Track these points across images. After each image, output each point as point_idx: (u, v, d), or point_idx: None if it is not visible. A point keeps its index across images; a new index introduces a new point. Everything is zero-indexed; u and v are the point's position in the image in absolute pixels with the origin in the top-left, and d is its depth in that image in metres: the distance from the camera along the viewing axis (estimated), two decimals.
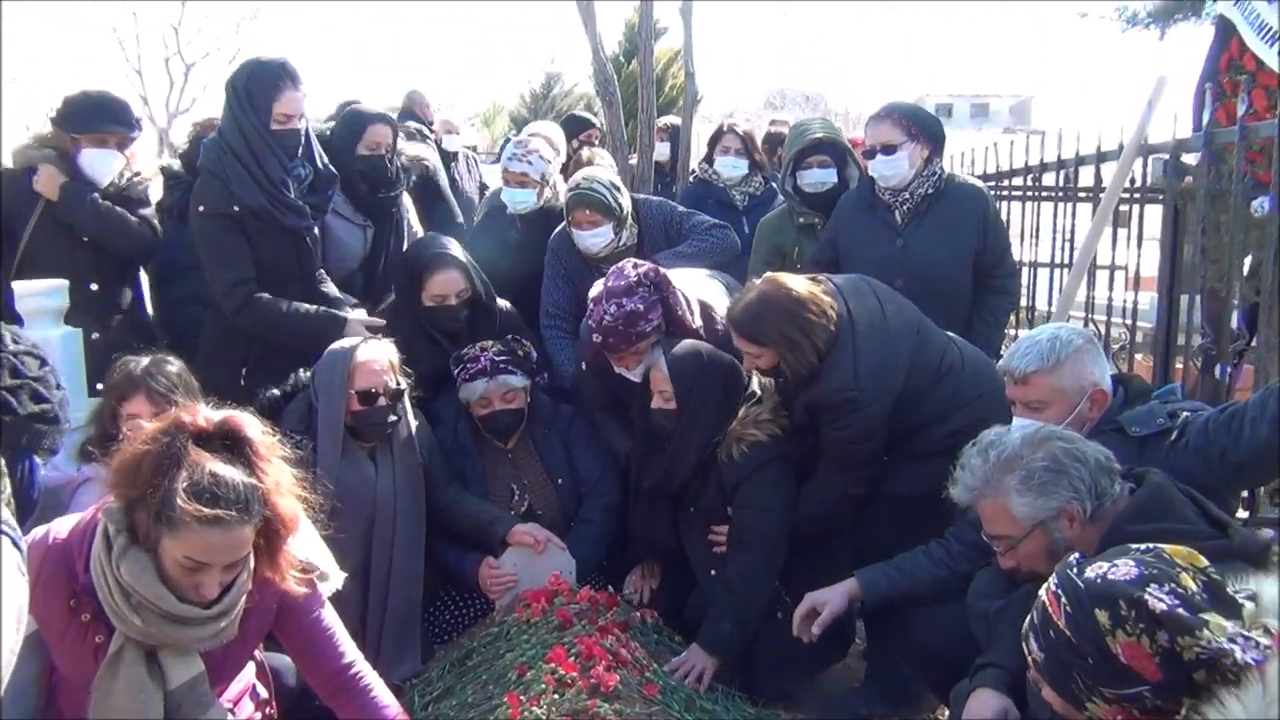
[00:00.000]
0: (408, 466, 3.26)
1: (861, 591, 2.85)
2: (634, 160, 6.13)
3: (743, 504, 3.17)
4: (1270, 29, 5.00)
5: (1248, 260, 4.74)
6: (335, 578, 2.39)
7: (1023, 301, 5.17)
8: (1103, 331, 4.77)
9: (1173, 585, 1.53)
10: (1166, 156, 4.28)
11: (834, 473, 3.17)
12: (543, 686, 2.47)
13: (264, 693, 2.48)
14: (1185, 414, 2.44)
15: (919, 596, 2.81)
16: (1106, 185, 4.51)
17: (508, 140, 5.13)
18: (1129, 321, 5.65)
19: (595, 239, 3.85)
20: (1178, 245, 4.59)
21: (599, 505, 3.58)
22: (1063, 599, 1.62)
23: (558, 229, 4.08)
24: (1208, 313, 4.75)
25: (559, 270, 4.00)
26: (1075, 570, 1.63)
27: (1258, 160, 4.23)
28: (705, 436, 3.20)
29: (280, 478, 2.10)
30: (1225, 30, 5.20)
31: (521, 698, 2.44)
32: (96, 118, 3.66)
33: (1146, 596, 1.52)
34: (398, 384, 3.24)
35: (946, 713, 2.79)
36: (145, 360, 2.85)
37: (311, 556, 2.31)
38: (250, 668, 2.42)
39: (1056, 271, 5.15)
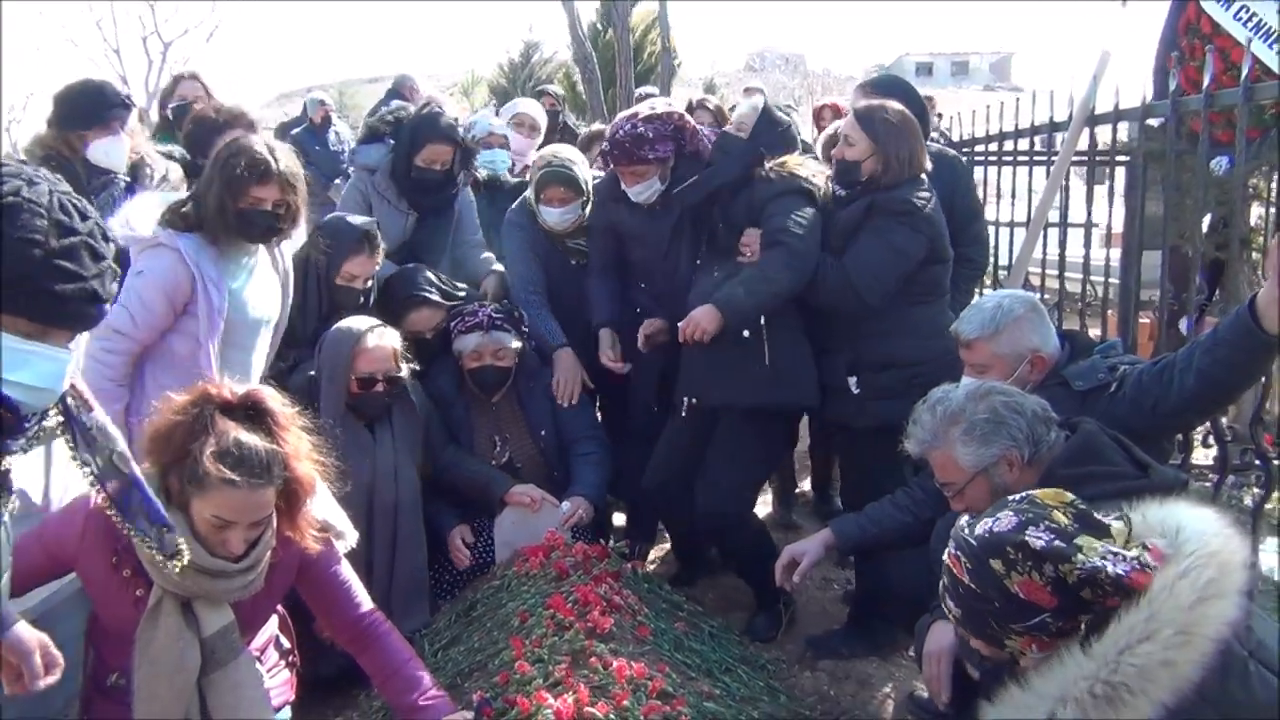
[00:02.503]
0: (407, 435, 3.44)
1: (836, 540, 3.06)
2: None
3: (772, 214, 3.39)
4: None
5: (1207, 218, 4.95)
6: (350, 536, 2.60)
7: (1003, 261, 5.38)
8: (1078, 288, 4.99)
9: (1047, 523, 1.74)
10: (1126, 123, 4.46)
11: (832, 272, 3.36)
12: (543, 630, 2.68)
13: (286, 643, 2.69)
14: (1124, 368, 2.65)
15: (890, 542, 3.02)
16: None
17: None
18: (1103, 279, 5.84)
19: (565, 215, 3.98)
20: (1142, 204, 4.79)
21: (591, 444, 3.84)
22: (962, 558, 1.82)
23: (517, 202, 4.24)
24: (1171, 269, 4.95)
25: (525, 243, 4.10)
26: (967, 531, 1.83)
27: (1216, 121, 4.42)
28: (756, 155, 3.52)
29: (299, 445, 2.30)
30: None
31: (524, 641, 2.65)
32: (100, 109, 3.69)
33: (1027, 538, 1.72)
34: (398, 372, 3.39)
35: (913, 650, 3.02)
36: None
37: (328, 517, 2.52)
38: (274, 620, 2.62)
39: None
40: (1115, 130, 4.67)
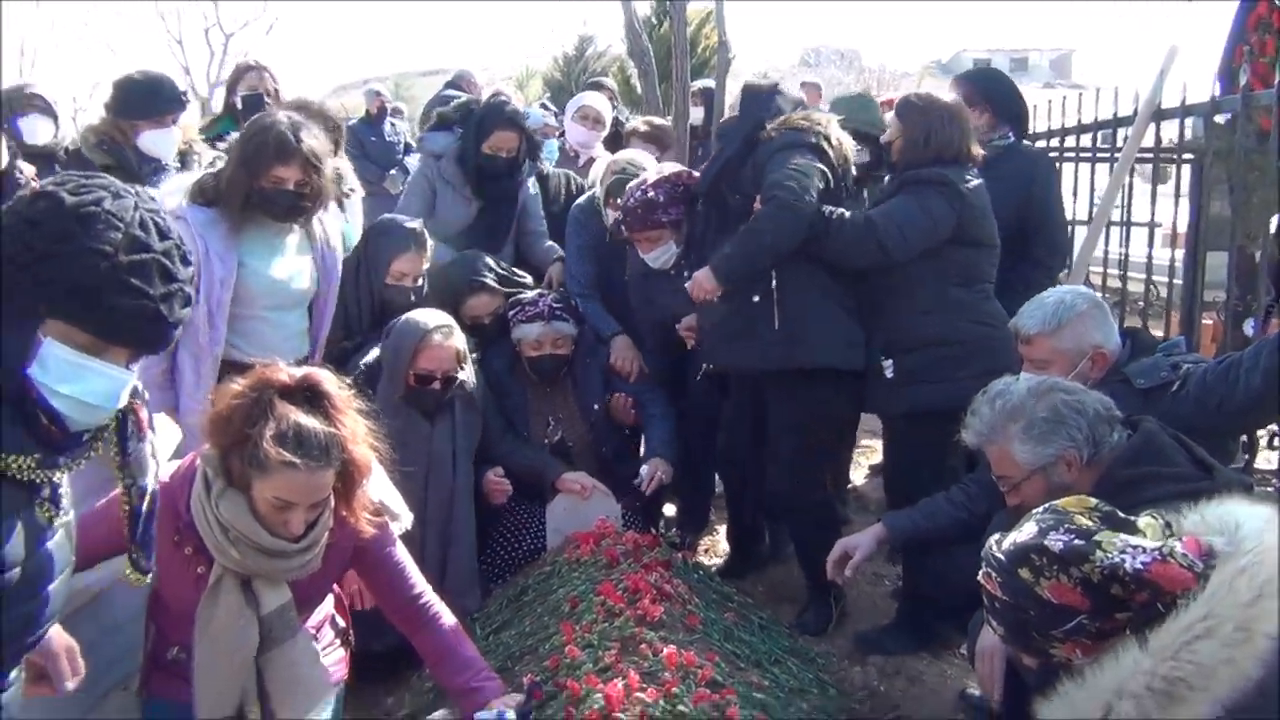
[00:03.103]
0: (466, 428, 3.47)
1: (888, 534, 3.05)
2: (669, 123, 6.29)
3: (769, 170, 3.37)
4: None
5: (1275, 219, 4.85)
6: (405, 518, 2.64)
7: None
8: (1140, 288, 4.92)
9: (1067, 527, 1.73)
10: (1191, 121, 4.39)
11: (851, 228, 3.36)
12: (593, 616, 2.70)
13: (342, 622, 2.73)
14: (1186, 366, 2.61)
15: (943, 537, 3.00)
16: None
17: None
18: (1167, 279, 5.73)
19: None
20: (1206, 203, 4.70)
21: (653, 404, 3.93)
22: (994, 575, 1.81)
23: (583, 200, 4.31)
24: (1236, 269, 4.86)
25: (586, 242, 4.18)
26: (995, 548, 1.82)
27: None
28: (753, 125, 3.49)
29: (355, 428, 2.33)
30: None
31: (574, 626, 2.67)
32: (155, 103, 3.80)
33: (1047, 543, 1.72)
34: (457, 373, 3.41)
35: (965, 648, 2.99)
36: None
37: (384, 499, 2.55)
38: (330, 600, 2.66)
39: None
40: (1181, 127, 4.59)
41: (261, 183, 3.08)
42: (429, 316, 3.43)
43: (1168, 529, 1.78)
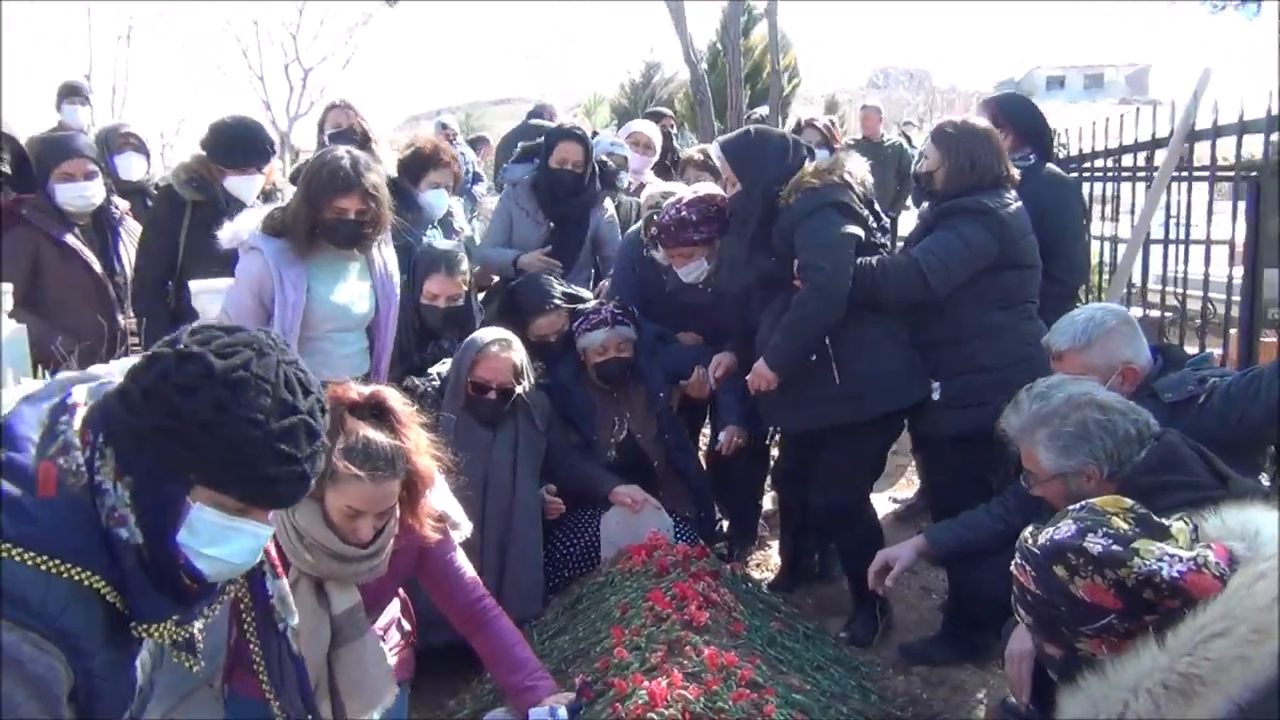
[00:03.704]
0: (528, 440, 3.65)
1: (928, 546, 3.15)
2: None
3: (802, 245, 3.48)
4: None
5: None
6: (465, 527, 2.82)
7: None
8: (1199, 306, 4.91)
9: (1106, 529, 1.81)
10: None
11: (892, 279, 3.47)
12: (642, 621, 2.85)
13: (407, 625, 2.92)
14: (1213, 380, 2.69)
15: (983, 548, 3.09)
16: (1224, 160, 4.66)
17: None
18: (1225, 296, 5.69)
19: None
20: (1262, 221, 4.71)
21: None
22: (1027, 568, 1.90)
23: (630, 232, 4.55)
24: None
25: (628, 264, 4.42)
26: (1030, 541, 1.91)
27: None
28: (764, 194, 3.57)
29: (419, 441, 2.52)
30: None
31: (624, 630, 2.82)
32: (242, 155, 3.99)
33: (1086, 544, 1.80)
34: (515, 384, 3.59)
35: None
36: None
37: (445, 508, 2.74)
38: (396, 603, 2.85)
39: (1158, 247, 5.27)
40: (1215, 145, 4.60)
41: (325, 214, 3.30)
42: (489, 332, 3.64)
43: (1195, 533, 1.86)
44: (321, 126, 5.13)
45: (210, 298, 3.49)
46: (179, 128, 19.92)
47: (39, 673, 1.41)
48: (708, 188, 4.10)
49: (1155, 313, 6.11)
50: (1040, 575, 1.87)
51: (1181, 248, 5.01)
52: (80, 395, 1.57)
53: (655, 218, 4.02)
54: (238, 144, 4.02)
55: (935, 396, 3.52)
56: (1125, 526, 1.83)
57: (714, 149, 3.80)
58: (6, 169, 4.09)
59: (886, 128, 10.01)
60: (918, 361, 3.60)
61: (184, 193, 3.92)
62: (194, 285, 3.56)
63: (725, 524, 4.54)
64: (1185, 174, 5.10)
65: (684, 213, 3.88)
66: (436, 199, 4.35)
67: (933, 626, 3.83)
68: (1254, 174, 5.02)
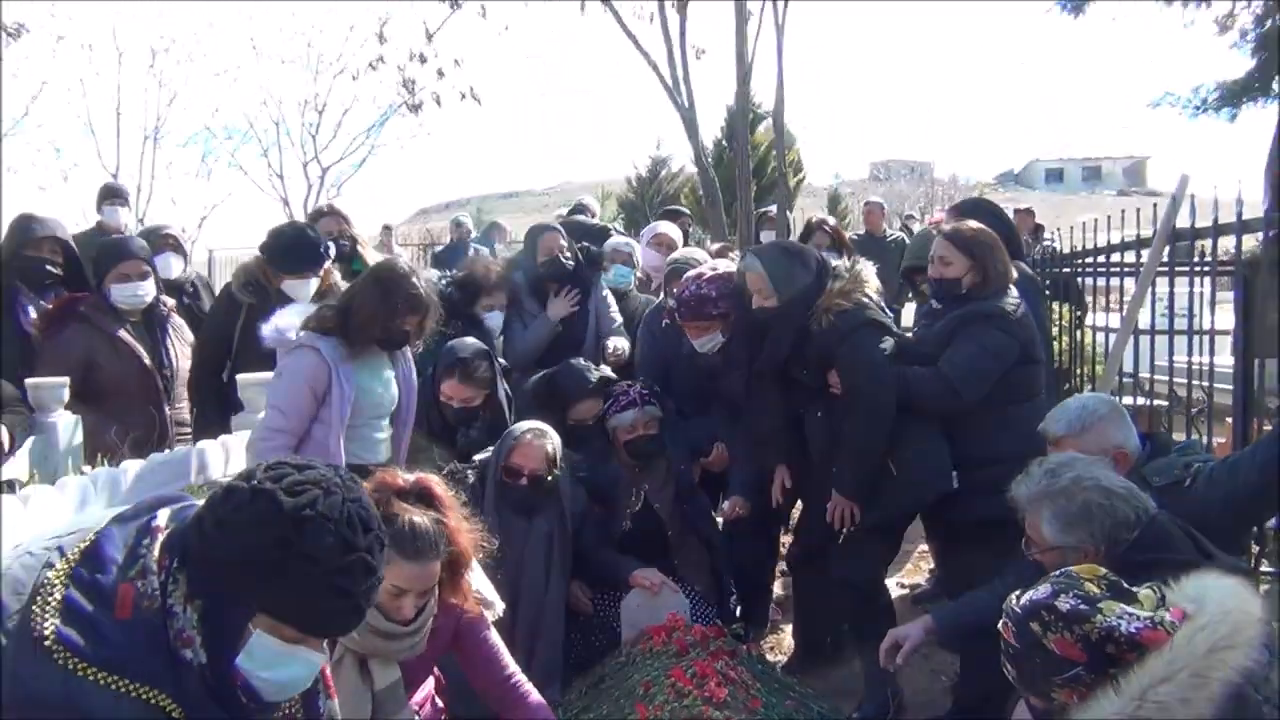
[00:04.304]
0: (561, 530, 3.82)
1: (935, 625, 3.31)
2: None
3: (847, 368, 3.71)
4: None
5: None
6: (498, 606, 3.00)
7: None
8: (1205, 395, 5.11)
9: (1077, 591, 2.04)
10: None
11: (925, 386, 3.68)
12: (664, 697, 3.01)
13: (440, 703, 3.08)
14: (1198, 465, 2.88)
15: (983, 627, 3.25)
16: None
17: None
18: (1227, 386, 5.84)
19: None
20: (1252, 313, 4.93)
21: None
22: (1009, 624, 2.13)
23: (650, 311, 4.91)
24: None
25: (652, 339, 4.75)
26: (1014, 602, 2.15)
27: None
28: (802, 311, 3.77)
29: (459, 524, 2.72)
30: None
31: (647, 706, 2.98)
32: (296, 260, 4.27)
33: (1057, 603, 2.03)
34: (547, 474, 3.77)
35: None
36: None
37: (480, 589, 2.92)
38: (430, 682, 3.02)
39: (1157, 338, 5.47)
40: (1192, 239, 4.84)
41: (390, 327, 3.58)
42: (526, 423, 3.84)
43: (1162, 601, 2.07)
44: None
45: (256, 390, 3.71)
46: (201, 224, 20.45)
47: None
48: (726, 265, 4.38)
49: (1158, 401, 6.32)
50: (1019, 630, 2.10)
51: (1179, 338, 5.25)
52: (163, 519, 1.73)
53: (675, 291, 4.30)
54: (293, 250, 4.30)
55: (955, 485, 3.70)
56: (1095, 590, 2.06)
57: (750, 261, 3.96)
58: (60, 271, 4.37)
59: (888, 221, 10.36)
60: (949, 458, 3.78)
61: (241, 295, 4.17)
62: (241, 379, 3.79)
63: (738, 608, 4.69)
64: (1179, 268, 5.36)
65: (704, 289, 4.13)
66: (493, 321, 4.63)
67: (941, 708, 3.95)
68: (1238, 269, 5.29)
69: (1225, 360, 5.70)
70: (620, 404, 4.30)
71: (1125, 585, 2.07)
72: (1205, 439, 4.89)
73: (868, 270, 3.91)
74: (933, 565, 5.30)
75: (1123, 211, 5.66)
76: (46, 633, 1.55)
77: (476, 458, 3.86)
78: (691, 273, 4.35)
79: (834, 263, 3.97)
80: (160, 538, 1.68)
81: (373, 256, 5.22)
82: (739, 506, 4.22)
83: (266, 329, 3.55)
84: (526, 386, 4.54)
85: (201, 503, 1.73)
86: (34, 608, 1.58)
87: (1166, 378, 5.66)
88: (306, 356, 3.45)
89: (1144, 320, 5.61)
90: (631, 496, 4.30)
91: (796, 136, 24.65)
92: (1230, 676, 1.88)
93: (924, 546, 5.30)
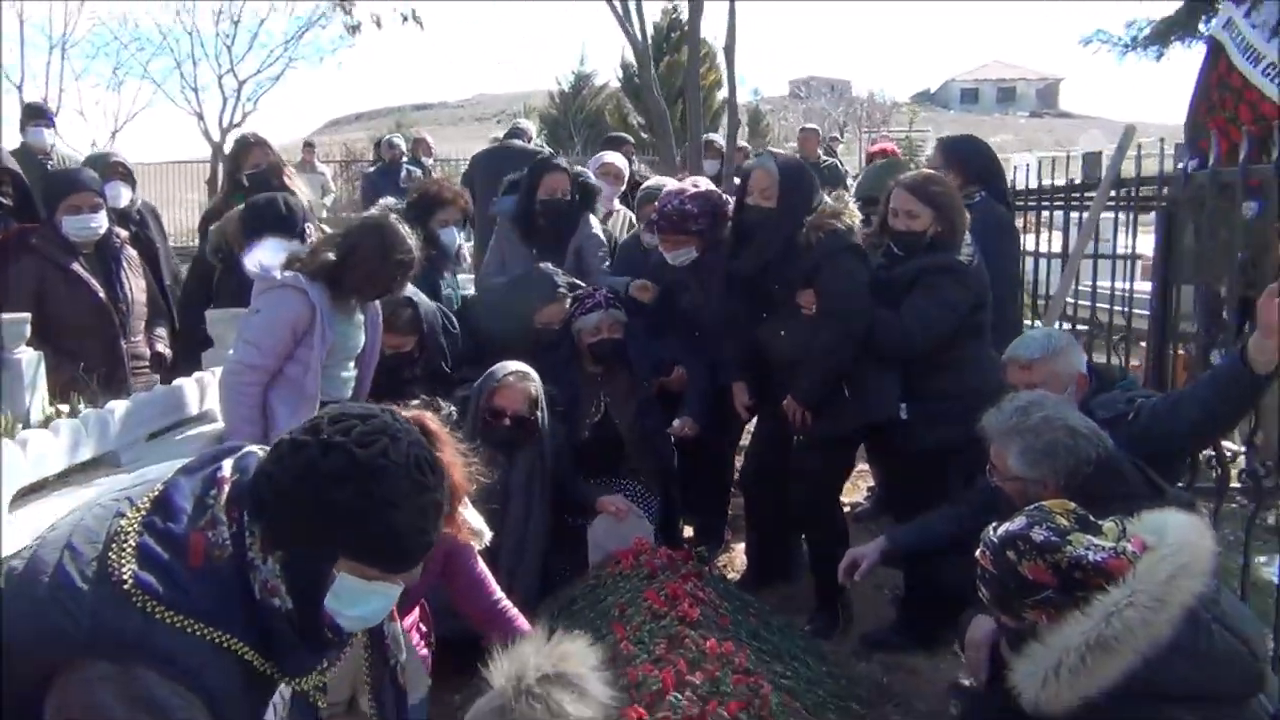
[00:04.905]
0: (543, 469, 3.93)
1: (890, 546, 3.53)
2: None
3: (829, 289, 3.89)
4: (1253, 49, 5.62)
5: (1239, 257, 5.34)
6: (485, 536, 3.10)
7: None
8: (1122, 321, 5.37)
9: (1049, 524, 2.24)
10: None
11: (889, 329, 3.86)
12: (642, 618, 3.17)
13: (424, 628, 3.20)
14: (1140, 400, 3.10)
15: (937, 549, 3.48)
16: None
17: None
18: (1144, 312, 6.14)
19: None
20: (1171, 246, 5.21)
21: (697, 379, 4.53)
22: (987, 553, 2.33)
23: (627, 238, 5.07)
24: (1203, 305, 5.36)
25: (629, 271, 4.87)
26: (991, 532, 2.35)
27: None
28: (796, 219, 3.95)
29: (454, 459, 2.80)
30: (1215, 49, 5.82)
31: (625, 627, 3.14)
32: (270, 229, 4.07)
33: (1032, 534, 2.23)
34: (529, 415, 3.86)
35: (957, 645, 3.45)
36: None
37: (469, 519, 3.03)
38: (416, 610, 3.13)
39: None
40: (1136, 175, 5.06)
41: (381, 288, 3.68)
42: (510, 364, 3.91)
43: (1123, 533, 2.29)
44: (237, 165, 5.21)
45: (226, 325, 3.72)
46: (113, 137, 19.72)
47: (182, 718, 1.60)
48: (708, 184, 4.55)
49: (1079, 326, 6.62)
50: (996, 558, 2.30)
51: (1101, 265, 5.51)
52: (227, 469, 1.78)
53: (659, 203, 4.43)
54: (273, 222, 4.18)
55: (904, 416, 3.90)
56: (1065, 523, 2.26)
57: (765, 160, 4.16)
58: (9, 201, 4.27)
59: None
60: (897, 387, 3.98)
61: (213, 260, 4.11)
62: (211, 315, 3.79)
63: (689, 529, 4.89)
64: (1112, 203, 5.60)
65: (687, 205, 4.30)
66: (449, 235, 4.60)
67: (887, 618, 4.22)
68: (1165, 205, 5.55)
69: (1143, 286, 6.00)
70: (586, 306, 4.40)
71: (1092, 519, 2.28)
72: (1123, 361, 5.20)
73: (852, 204, 4.06)
74: (871, 484, 5.56)
75: (1039, 161, 5.88)
76: (125, 577, 1.61)
77: (457, 392, 3.93)
78: (675, 187, 4.52)
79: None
80: (226, 488, 1.74)
81: (300, 187, 5.17)
82: (688, 426, 4.36)
83: (249, 262, 3.54)
84: (490, 292, 4.60)
85: (264, 455, 1.78)
86: (110, 554, 1.63)
87: (1088, 304, 5.97)
88: (292, 298, 3.47)
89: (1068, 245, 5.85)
90: (593, 407, 4.42)
91: (717, 51, 24.41)
92: (1186, 600, 2.10)
93: (863, 466, 5.53)
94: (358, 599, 1.74)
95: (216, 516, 1.70)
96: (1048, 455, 2.75)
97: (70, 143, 5.38)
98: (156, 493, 1.73)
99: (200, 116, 18.67)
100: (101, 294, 4.19)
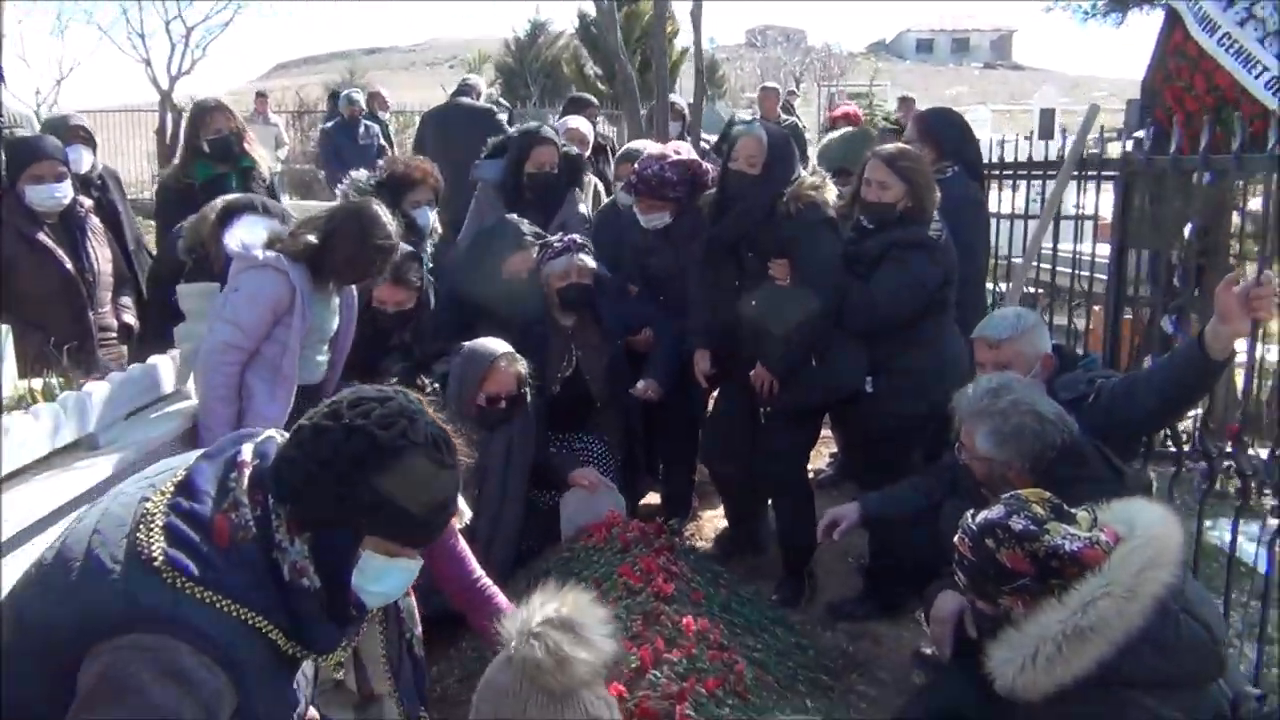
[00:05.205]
0: (521, 440, 3.97)
1: (863, 510, 3.62)
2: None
3: (802, 258, 3.96)
4: (1209, 19, 5.71)
5: (1187, 227, 5.48)
6: (466, 514, 3.14)
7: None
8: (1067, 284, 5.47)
9: (1027, 513, 2.34)
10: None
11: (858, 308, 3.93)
12: (618, 594, 3.24)
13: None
14: (1100, 381, 3.20)
15: (905, 516, 3.58)
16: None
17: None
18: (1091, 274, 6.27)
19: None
20: (1128, 215, 5.31)
21: (664, 340, 4.54)
22: (966, 540, 2.41)
23: (604, 205, 5.07)
24: (1153, 272, 5.50)
25: (604, 237, 4.85)
26: (970, 519, 2.43)
27: (1197, 136, 4.92)
28: (776, 188, 4.01)
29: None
30: (1173, 18, 5.91)
31: (601, 603, 3.20)
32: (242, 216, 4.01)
33: (1010, 522, 2.33)
34: (520, 393, 3.89)
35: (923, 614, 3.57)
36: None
37: None
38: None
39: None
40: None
41: (361, 275, 3.67)
42: (495, 345, 3.90)
43: (1094, 522, 2.39)
44: (195, 128, 5.07)
45: (197, 300, 3.70)
46: (58, 85, 19.16)
47: (210, 691, 1.65)
48: (689, 151, 4.59)
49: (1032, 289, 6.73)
50: (975, 546, 2.39)
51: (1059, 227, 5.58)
52: (247, 453, 1.82)
53: (638, 166, 4.46)
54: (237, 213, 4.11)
55: (869, 389, 3.98)
56: (1042, 512, 2.36)
57: (755, 127, 4.25)
58: None
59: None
60: (864, 359, 4.04)
61: (184, 258, 4.01)
62: (182, 290, 3.76)
63: (657, 497, 4.96)
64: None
65: (666, 172, 4.34)
66: (423, 217, 4.52)
67: (851, 587, 4.33)
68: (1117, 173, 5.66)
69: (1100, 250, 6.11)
70: (554, 251, 4.40)
71: (1066, 508, 2.37)
72: (1085, 325, 5.33)
73: (830, 181, 4.12)
74: (834, 450, 5.67)
75: (1004, 140, 5.91)
76: (155, 554, 1.66)
77: (436, 368, 3.94)
78: (657, 151, 4.55)
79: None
80: (247, 471, 1.79)
81: (260, 154, 5.11)
82: (652, 389, 4.38)
83: (231, 241, 3.51)
84: (458, 250, 4.62)
85: (285, 441, 1.84)
86: (139, 534, 1.68)
87: (1048, 266, 6.09)
88: (273, 279, 3.45)
89: (1020, 207, 5.94)
90: (564, 362, 4.45)
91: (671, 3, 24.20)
92: (1157, 591, 2.22)
93: (826, 433, 5.64)
94: (382, 575, 1.82)
95: (239, 499, 1.75)
96: (1014, 438, 2.84)
97: (15, 93, 5.19)
98: (179, 477, 1.78)
99: (148, 63, 18.15)
100: (69, 265, 4.11)
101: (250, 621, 1.70)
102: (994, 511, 2.38)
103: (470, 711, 2.19)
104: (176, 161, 5.40)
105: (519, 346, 4.10)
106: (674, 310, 4.59)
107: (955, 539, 2.45)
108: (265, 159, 5.15)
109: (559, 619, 2.08)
